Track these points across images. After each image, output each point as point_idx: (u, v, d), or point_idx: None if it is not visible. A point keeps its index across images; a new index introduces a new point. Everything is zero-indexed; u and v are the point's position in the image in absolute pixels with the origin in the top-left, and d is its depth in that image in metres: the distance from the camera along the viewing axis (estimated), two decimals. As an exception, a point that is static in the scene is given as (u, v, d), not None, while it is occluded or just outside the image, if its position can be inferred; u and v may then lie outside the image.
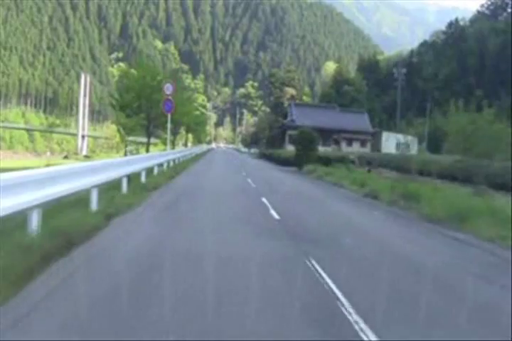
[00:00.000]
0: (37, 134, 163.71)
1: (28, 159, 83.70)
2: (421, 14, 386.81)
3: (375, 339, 4.17)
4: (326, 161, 31.22)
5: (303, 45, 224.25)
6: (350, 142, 60.17)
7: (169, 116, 26.40)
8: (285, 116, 68.85)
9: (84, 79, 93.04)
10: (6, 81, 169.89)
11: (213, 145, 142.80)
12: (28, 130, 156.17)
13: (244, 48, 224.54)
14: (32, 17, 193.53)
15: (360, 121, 62.40)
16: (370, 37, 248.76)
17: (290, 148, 49.69)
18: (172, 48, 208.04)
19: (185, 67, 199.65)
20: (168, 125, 27.11)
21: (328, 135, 56.39)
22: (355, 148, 56.45)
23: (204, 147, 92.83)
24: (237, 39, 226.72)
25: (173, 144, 49.00)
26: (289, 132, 57.42)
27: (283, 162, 39.00)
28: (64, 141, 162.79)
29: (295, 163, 33.30)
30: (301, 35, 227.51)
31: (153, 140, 68.72)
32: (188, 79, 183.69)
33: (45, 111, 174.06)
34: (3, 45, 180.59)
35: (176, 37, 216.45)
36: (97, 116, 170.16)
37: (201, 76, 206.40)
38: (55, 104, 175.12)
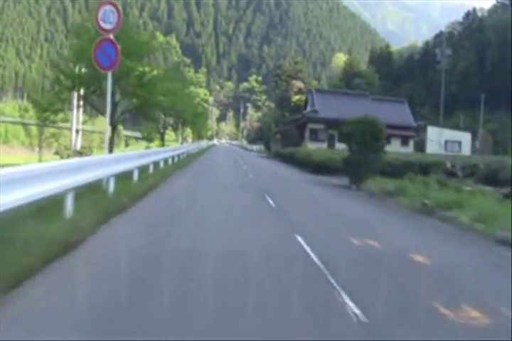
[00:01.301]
0: (33, 128, 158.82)
1: (12, 155, 78.08)
2: (425, 10, 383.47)
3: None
4: (396, 170, 22.12)
5: (308, 39, 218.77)
6: (388, 139, 50.43)
7: (110, 78, 13.31)
8: (304, 107, 58.47)
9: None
10: (1, 73, 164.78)
11: (215, 141, 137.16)
12: (23, 124, 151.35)
13: (247, 42, 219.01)
14: (29, 8, 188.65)
15: (400, 113, 50.53)
16: (376, 31, 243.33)
17: (311, 146, 41.51)
18: (174, 41, 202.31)
19: (187, 60, 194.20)
20: (109, 96, 13.76)
21: None
22: (395, 146, 46.39)
23: (203, 144, 78.82)
24: (241, 32, 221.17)
25: (163, 140, 41.56)
26: (310, 126, 48.37)
27: (314, 167, 28.46)
28: (61, 135, 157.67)
29: (345, 171, 21.68)
30: (306, 28, 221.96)
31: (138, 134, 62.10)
32: (190, 73, 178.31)
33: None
34: (0, 36, 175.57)
35: (178, 30, 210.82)
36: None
37: (203, 70, 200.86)
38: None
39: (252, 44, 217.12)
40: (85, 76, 17.53)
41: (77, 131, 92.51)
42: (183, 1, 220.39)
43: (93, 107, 19.63)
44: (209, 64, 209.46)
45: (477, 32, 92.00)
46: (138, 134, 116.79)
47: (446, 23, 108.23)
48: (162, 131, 41.87)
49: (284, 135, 59.16)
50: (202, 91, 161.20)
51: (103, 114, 18.62)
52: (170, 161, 24.82)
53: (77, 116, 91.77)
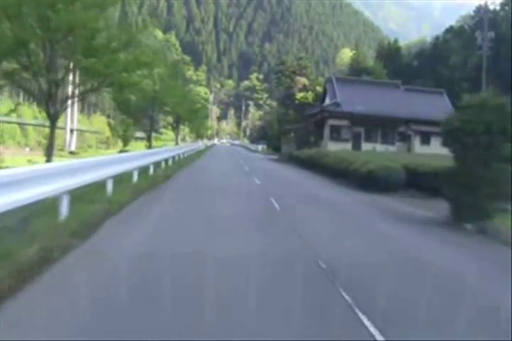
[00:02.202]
0: (30, 128, 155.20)
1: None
2: (427, 9, 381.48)
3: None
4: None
5: (310, 36, 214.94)
6: (426, 137, 40.05)
7: None
8: (322, 99, 48.75)
9: (74, 66, 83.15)
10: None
11: (215, 140, 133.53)
12: (19, 124, 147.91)
13: (248, 39, 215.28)
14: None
15: (440, 106, 42.15)
16: (380, 29, 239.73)
17: (332, 147, 34.52)
18: (173, 39, 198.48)
19: (187, 58, 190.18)
20: None
21: (391, 126, 39.69)
22: (435, 147, 37.90)
23: (201, 144, 66.62)
24: (242, 29, 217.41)
25: (150, 140, 34.33)
26: (331, 122, 40.14)
27: (357, 180, 19.51)
28: (58, 135, 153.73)
29: (448, 195, 11.94)
30: (308, 25, 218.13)
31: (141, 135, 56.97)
32: (189, 71, 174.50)
33: (39, 104, 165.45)
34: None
35: (178, 27, 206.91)
36: (94, 108, 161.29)
37: (204, 67, 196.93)
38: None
39: (253, 41, 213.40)
40: (4, 38, 11.34)
41: (72, 131, 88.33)
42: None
43: (24, 90, 14.37)
44: (209, 62, 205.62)
45: (490, 26, 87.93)
46: (138, 133, 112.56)
47: (446, 23, 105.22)
48: (149, 129, 34.74)
49: (297, 133, 50.46)
50: (202, 90, 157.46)
51: (39, 101, 13.59)
52: (135, 177, 14.56)
53: (71, 115, 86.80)
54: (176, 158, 27.90)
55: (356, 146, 38.19)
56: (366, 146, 37.27)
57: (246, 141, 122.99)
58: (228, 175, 24.21)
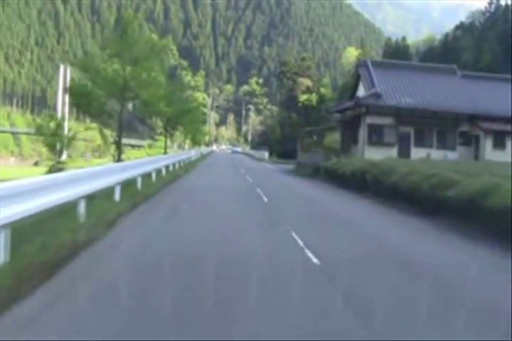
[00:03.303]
0: (23, 137, 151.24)
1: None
2: (425, 11, 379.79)
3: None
4: None
5: (311, 38, 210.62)
6: (501, 138, 30.13)
7: None
8: (351, 93, 36.82)
9: (64, 72, 78.87)
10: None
11: (214, 147, 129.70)
12: (12, 133, 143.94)
13: (247, 43, 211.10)
14: (19, 11, 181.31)
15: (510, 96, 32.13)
16: (381, 30, 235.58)
17: (372, 154, 26.21)
18: (170, 43, 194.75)
19: (185, 63, 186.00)
20: None
21: (450, 125, 30.86)
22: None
23: (193, 153, 51.88)
24: (240, 33, 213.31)
25: (120, 150, 22.87)
26: (370, 120, 30.36)
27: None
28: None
29: None
30: (308, 27, 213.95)
31: (139, 142, 51.81)
32: (187, 76, 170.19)
33: (32, 112, 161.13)
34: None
35: (175, 31, 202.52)
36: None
37: (202, 72, 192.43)
38: (43, 104, 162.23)
39: (252, 45, 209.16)
40: None
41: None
42: (180, 1, 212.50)
43: None
44: (207, 66, 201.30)
45: (502, 22, 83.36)
46: (133, 141, 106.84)
47: (446, 23, 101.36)
48: (118, 134, 23.88)
49: (320, 137, 39.66)
50: (200, 95, 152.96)
51: None
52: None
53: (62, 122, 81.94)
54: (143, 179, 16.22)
55: (404, 152, 29.34)
56: (416, 153, 28.83)
57: (247, 147, 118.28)
58: (234, 226, 10.97)
